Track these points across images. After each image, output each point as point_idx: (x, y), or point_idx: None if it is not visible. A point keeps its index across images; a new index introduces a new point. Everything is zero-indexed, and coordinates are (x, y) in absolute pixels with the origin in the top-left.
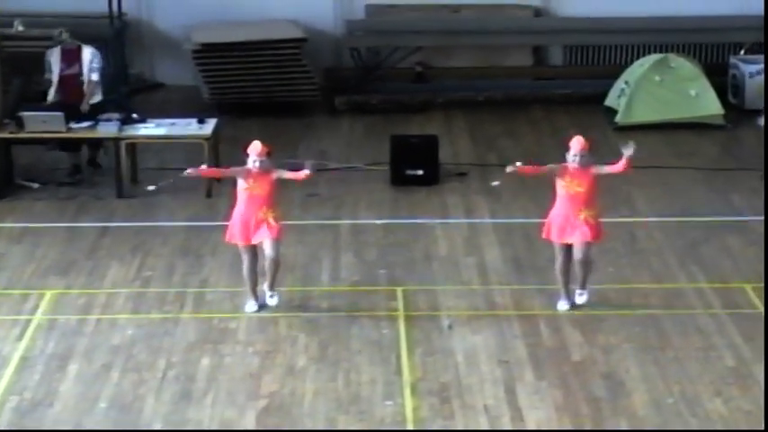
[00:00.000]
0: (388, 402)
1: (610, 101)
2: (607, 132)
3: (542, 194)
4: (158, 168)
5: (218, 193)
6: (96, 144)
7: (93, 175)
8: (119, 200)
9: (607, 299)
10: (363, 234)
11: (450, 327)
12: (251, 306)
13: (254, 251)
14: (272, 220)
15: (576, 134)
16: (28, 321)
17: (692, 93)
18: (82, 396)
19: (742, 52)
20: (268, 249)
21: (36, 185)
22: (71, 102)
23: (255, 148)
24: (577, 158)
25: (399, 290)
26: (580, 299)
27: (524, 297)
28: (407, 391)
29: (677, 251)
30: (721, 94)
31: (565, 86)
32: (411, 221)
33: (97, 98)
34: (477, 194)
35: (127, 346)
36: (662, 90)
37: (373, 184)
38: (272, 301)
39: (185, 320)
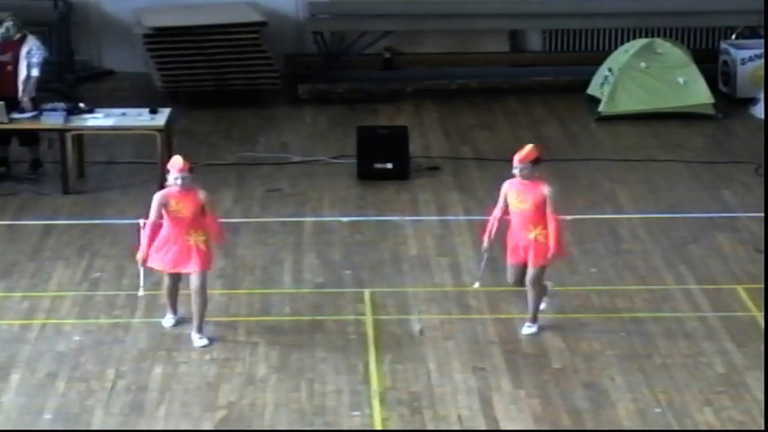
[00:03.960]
0: (355, 413)
1: (592, 89)
2: (589, 123)
3: None
4: (107, 162)
5: None
6: (34, 140)
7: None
8: (64, 196)
9: (589, 302)
10: (328, 233)
11: (421, 332)
12: (168, 320)
13: (179, 278)
14: (202, 245)
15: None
16: None
17: (680, 80)
18: (25, 407)
19: (733, 37)
20: (194, 282)
21: None
22: (3, 91)
23: (176, 163)
24: (517, 170)
25: (367, 292)
26: (527, 330)
27: (501, 300)
28: (376, 402)
29: (664, 251)
30: (711, 82)
31: (544, 74)
32: (379, 219)
33: (31, 95)
34: (450, 190)
35: (74, 353)
36: (648, 78)
37: (338, 179)
38: (200, 342)
39: (136, 326)
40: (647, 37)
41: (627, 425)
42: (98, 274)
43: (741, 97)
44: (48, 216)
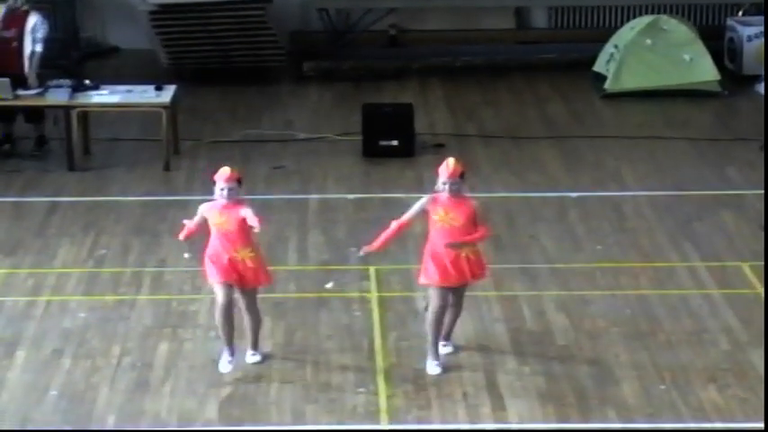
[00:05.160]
0: (361, 390)
1: (598, 66)
2: (595, 100)
3: (525, 168)
4: (112, 139)
5: (176, 166)
6: (40, 117)
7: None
8: (70, 173)
9: (594, 280)
10: (333, 210)
11: (426, 309)
12: (225, 365)
13: (232, 291)
14: (250, 262)
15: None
16: None
17: (686, 57)
18: (31, 384)
19: (740, 14)
20: (243, 300)
21: None
22: (8, 68)
23: (224, 173)
24: (448, 186)
25: (372, 269)
26: (444, 349)
27: (505, 277)
28: (381, 379)
29: (669, 228)
30: (717, 59)
31: (549, 51)
32: (384, 196)
33: (36, 71)
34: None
35: (79, 330)
36: (653, 55)
37: (344, 157)
38: (252, 358)
39: (142, 303)
40: (652, 14)
41: (631, 402)
42: (103, 251)
43: (747, 74)
44: (53, 193)
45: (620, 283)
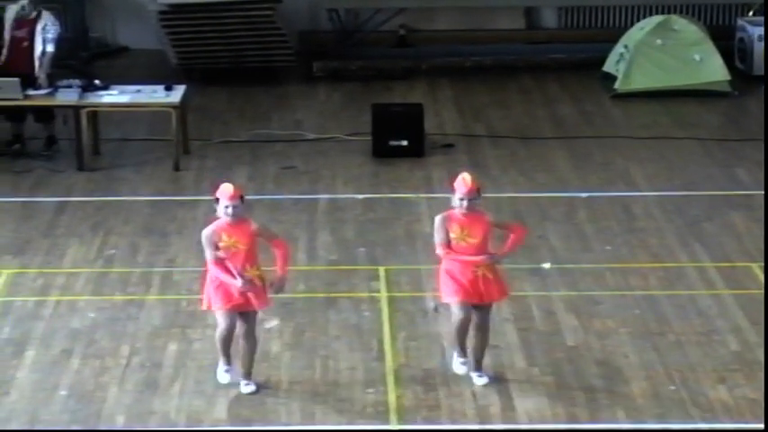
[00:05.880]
0: (370, 390)
1: (608, 66)
2: (604, 101)
3: (534, 168)
4: (122, 139)
5: (186, 166)
6: (49, 117)
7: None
8: (79, 173)
9: (603, 280)
10: (342, 210)
11: (436, 309)
12: (223, 375)
13: (234, 318)
14: (257, 281)
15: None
16: None
17: (696, 57)
18: (40, 384)
19: (750, 14)
20: (244, 323)
21: None
22: (18, 68)
23: (227, 191)
24: (465, 202)
25: (381, 269)
26: (479, 381)
27: (515, 278)
28: (390, 379)
29: (678, 228)
30: (727, 59)
31: (559, 51)
32: (393, 196)
33: (47, 71)
34: (465, 167)
35: (88, 330)
36: (663, 55)
37: (353, 157)
38: (247, 388)
39: (151, 303)
40: (662, 14)
41: (640, 403)
42: (112, 251)
43: (757, 74)
44: (62, 193)
45: (629, 284)
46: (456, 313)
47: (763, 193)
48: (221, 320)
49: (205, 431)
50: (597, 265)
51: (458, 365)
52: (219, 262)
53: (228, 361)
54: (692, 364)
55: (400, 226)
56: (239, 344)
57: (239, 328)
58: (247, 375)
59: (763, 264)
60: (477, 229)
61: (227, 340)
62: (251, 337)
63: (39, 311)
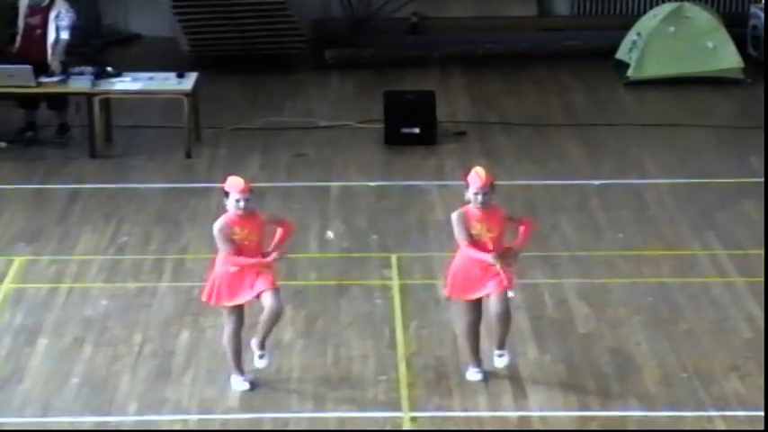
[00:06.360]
0: (382, 378)
1: (621, 54)
2: (617, 88)
3: (546, 156)
4: (134, 126)
5: (198, 153)
6: (62, 104)
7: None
8: (92, 160)
9: (616, 268)
10: (354, 198)
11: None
12: (238, 383)
13: (242, 313)
14: (267, 271)
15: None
16: None
17: (709, 45)
18: (52, 372)
19: (763, 1)
20: (270, 299)
21: (3, 144)
22: (32, 55)
23: (237, 184)
24: (480, 197)
25: (393, 257)
26: (500, 361)
27: (527, 266)
28: (402, 366)
29: (691, 217)
30: (741, 47)
31: (572, 39)
32: (406, 184)
33: (60, 59)
34: (477, 155)
35: (100, 318)
36: (676, 42)
37: (365, 144)
38: (260, 362)
39: (163, 291)
40: (675, 1)
41: (653, 391)
42: (125, 238)
43: None
44: (75, 181)
45: (641, 272)
46: (464, 314)
47: None
48: (228, 318)
49: (217, 419)
50: (610, 253)
51: (472, 374)
52: (236, 254)
53: (242, 371)
54: (705, 353)
55: (412, 214)
56: (263, 316)
57: (267, 300)
58: (261, 345)
59: None
60: (494, 223)
61: (236, 341)
62: (275, 311)
63: (51, 299)
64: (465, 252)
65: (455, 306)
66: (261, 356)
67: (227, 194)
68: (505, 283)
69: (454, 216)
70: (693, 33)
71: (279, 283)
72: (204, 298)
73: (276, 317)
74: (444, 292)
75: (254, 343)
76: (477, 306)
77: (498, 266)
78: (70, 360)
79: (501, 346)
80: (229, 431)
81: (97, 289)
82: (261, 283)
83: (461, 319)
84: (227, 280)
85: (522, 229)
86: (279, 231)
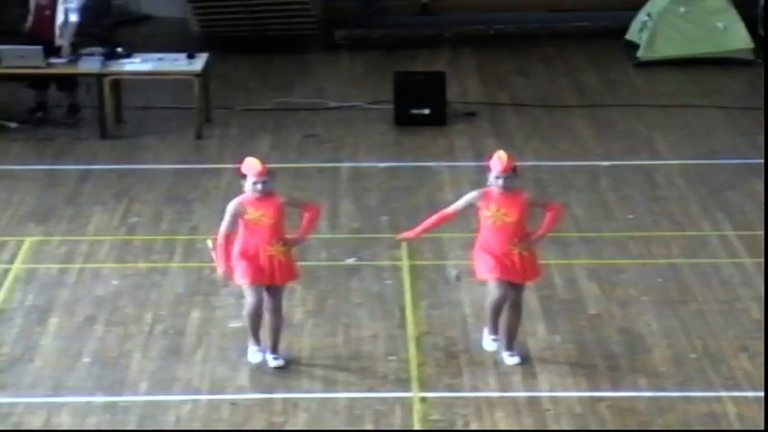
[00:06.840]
0: (392, 358)
1: (631, 35)
2: (628, 69)
3: (556, 137)
4: (144, 107)
5: (208, 134)
6: (73, 85)
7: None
8: (102, 141)
9: (626, 248)
10: (364, 178)
11: (458, 278)
12: (253, 353)
13: (262, 291)
14: (282, 257)
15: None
16: (5, 271)
17: (720, 25)
18: (64, 351)
19: None
20: (271, 308)
21: (14, 125)
22: (42, 35)
23: (254, 166)
24: (501, 181)
25: None
26: (511, 360)
27: (537, 245)
28: (412, 346)
29: (701, 197)
30: (751, 27)
31: (582, 19)
32: (416, 165)
33: (70, 40)
34: (487, 136)
35: (111, 297)
36: (687, 23)
37: (375, 125)
38: (275, 362)
39: (174, 270)
40: None
41: (662, 370)
42: (135, 218)
43: None
44: (85, 161)
45: (651, 252)
46: (492, 291)
47: None
48: (248, 296)
49: (228, 398)
50: (620, 233)
51: (488, 342)
52: (227, 237)
53: (258, 341)
54: (714, 333)
55: (423, 194)
56: (265, 318)
57: (267, 302)
58: (274, 349)
59: None
60: (514, 208)
61: (256, 317)
62: (277, 312)
63: (62, 279)
64: (434, 216)
65: (465, 286)
66: (275, 358)
67: (244, 177)
68: (523, 275)
69: (473, 192)
70: (704, 14)
71: (298, 270)
72: (232, 278)
73: (277, 328)
74: (477, 274)
75: (268, 354)
76: (504, 286)
77: (517, 249)
78: (81, 339)
79: (510, 346)
80: (240, 410)
81: (108, 268)
82: (277, 275)
83: (489, 296)
84: (244, 259)
85: (548, 215)
86: (305, 217)
